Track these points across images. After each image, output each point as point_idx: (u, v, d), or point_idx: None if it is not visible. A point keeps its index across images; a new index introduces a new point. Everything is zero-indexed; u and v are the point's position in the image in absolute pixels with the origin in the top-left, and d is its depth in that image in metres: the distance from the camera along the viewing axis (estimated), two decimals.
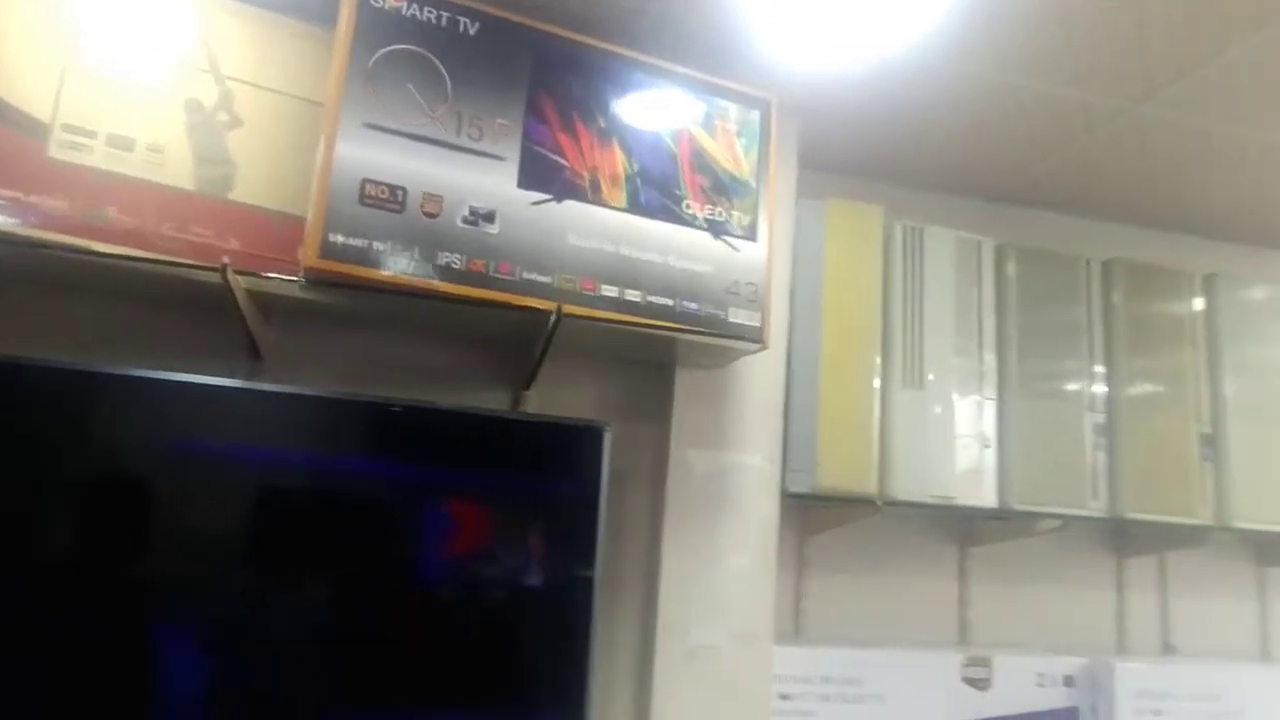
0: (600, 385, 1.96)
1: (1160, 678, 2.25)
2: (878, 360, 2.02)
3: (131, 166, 1.52)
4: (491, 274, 1.55)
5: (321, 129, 1.52)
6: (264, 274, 1.54)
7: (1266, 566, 2.59)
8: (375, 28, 1.55)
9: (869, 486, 1.97)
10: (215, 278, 1.49)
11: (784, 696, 1.97)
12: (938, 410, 2.07)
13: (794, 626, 2.16)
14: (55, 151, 1.48)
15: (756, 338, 1.73)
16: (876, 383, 2.01)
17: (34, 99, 1.48)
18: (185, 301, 1.65)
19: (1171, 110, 1.94)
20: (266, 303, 1.65)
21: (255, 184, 1.60)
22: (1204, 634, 2.50)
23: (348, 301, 1.58)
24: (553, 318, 1.57)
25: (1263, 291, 2.38)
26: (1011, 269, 2.19)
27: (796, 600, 2.18)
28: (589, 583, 1.68)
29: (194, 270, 1.49)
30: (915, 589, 2.28)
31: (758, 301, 1.74)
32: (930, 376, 2.07)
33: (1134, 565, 2.47)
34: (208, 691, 1.52)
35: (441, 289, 1.52)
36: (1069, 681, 2.20)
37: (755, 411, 1.95)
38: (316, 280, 1.50)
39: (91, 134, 1.51)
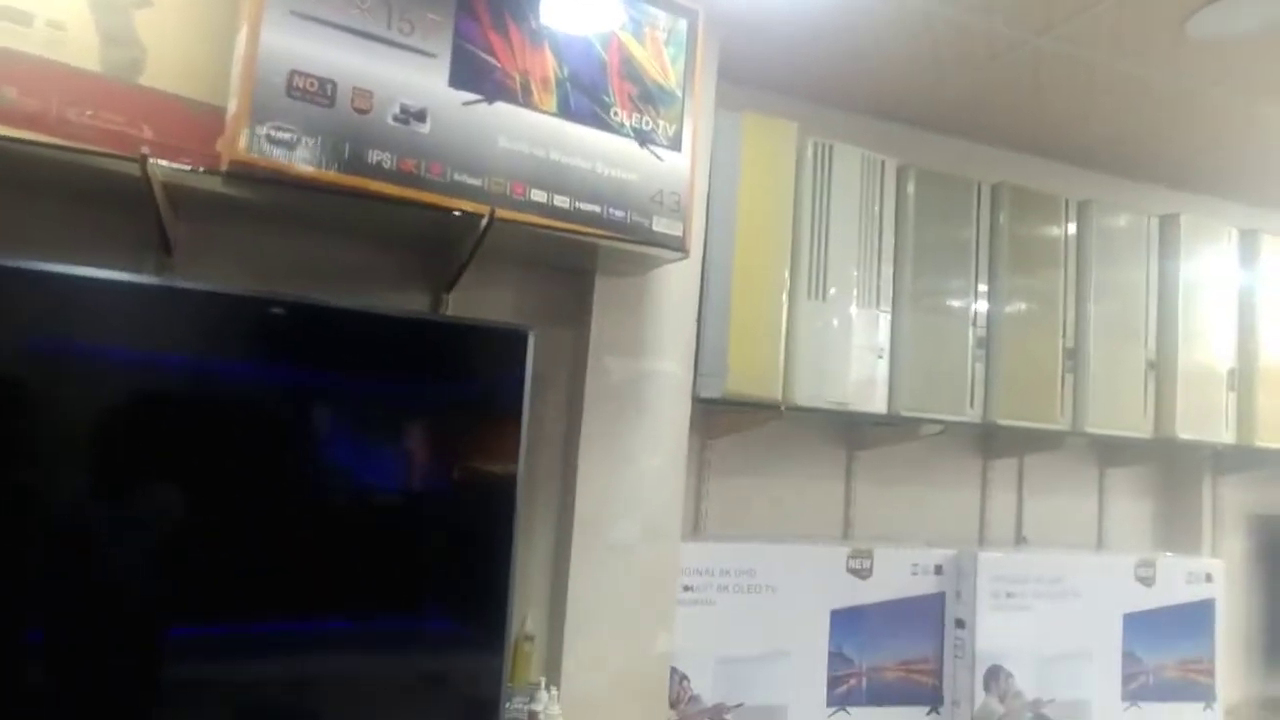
0: (521, 290, 1.98)
1: (1013, 565, 2.49)
2: (786, 273, 2.12)
3: (30, 43, 1.42)
4: (423, 174, 1.54)
5: (243, 15, 1.45)
6: (182, 166, 1.48)
7: (1108, 468, 2.89)
8: None
9: (774, 392, 2.09)
10: (132, 168, 1.42)
11: (687, 588, 2.11)
12: (837, 322, 2.19)
13: (695, 524, 2.29)
14: None
15: (678, 246, 1.79)
16: (784, 293, 2.11)
17: None
18: (91, 193, 1.57)
19: (1065, 44, 2.07)
20: (179, 196, 1.59)
21: (167, 70, 1.51)
22: (1053, 527, 2.79)
23: (270, 197, 1.53)
24: (484, 221, 1.58)
25: (1127, 219, 2.59)
26: (911, 189, 2.30)
27: (698, 500, 2.31)
28: (512, 481, 1.74)
29: (109, 160, 1.42)
30: (807, 489, 2.45)
31: (680, 211, 1.79)
32: (832, 290, 2.18)
33: (998, 466, 2.71)
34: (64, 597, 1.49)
35: (373, 188, 1.50)
36: (939, 570, 2.43)
37: (671, 319, 2.02)
38: (240, 175, 1.45)
39: None
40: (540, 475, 1.97)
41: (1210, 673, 2.67)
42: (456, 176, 1.56)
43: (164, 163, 1.45)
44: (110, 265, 1.57)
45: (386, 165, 1.51)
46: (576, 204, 1.68)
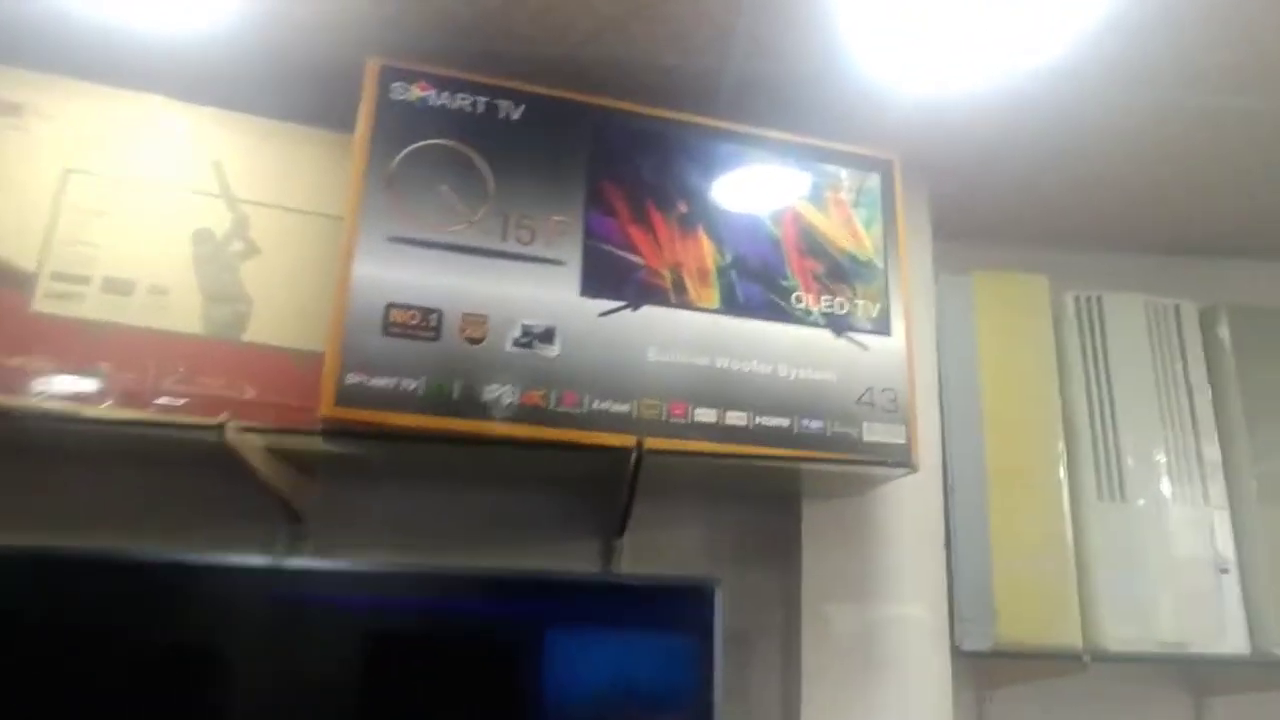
0: (712, 525, 1.59)
1: None
2: (1062, 470, 1.57)
3: (130, 314, 1.29)
4: (553, 407, 1.22)
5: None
6: (279, 428, 1.27)
7: None
8: (398, 123, 1.29)
9: (1069, 636, 1.51)
10: (214, 436, 1.22)
11: None
12: (1148, 529, 1.59)
13: None
14: (41, 304, 1.26)
15: (903, 459, 1.34)
16: (1064, 498, 1.56)
17: (19, 247, 1.27)
18: (203, 464, 1.38)
19: None
20: (300, 458, 1.38)
21: (274, 320, 1.34)
22: None
23: (380, 452, 1.28)
24: (634, 455, 1.23)
25: None
26: (1224, 334, 1.71)
27: None
28: None
29: (191, 430, 1.23)
30: None
31: (899, 412, 1.35)
32: (1133, 485, 1.60)
33: None
34: None
35: (490, 431, 1.20)
36: None
37: (908, 548, 1.53)
38: (336, 432, 1.21)
39: (84, 280, 1.29)
40: None
41: None
42: (597, 404, 1.24)
43: (253, 429, 1.24)
44: (234, 541, 1.38)
45: (507, 401, 1.21)
46: (756, 420, 1.29)
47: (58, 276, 1.28)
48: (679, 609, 1.38)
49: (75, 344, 1.25)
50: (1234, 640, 1.57)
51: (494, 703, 1.31)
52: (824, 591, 1.50)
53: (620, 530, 1.49)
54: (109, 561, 1.31)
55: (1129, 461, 1.61)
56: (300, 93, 1.44)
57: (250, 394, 1.30)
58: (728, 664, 1.36)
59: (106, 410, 1.23)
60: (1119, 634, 1.54)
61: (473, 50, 1.38)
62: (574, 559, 1.54)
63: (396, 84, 1.30)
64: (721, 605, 1.36)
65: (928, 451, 1.48)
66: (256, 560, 1.34)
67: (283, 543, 1.47)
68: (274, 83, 1.45)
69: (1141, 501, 1.60)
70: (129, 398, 1.25)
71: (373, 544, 1.48)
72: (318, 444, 1.26)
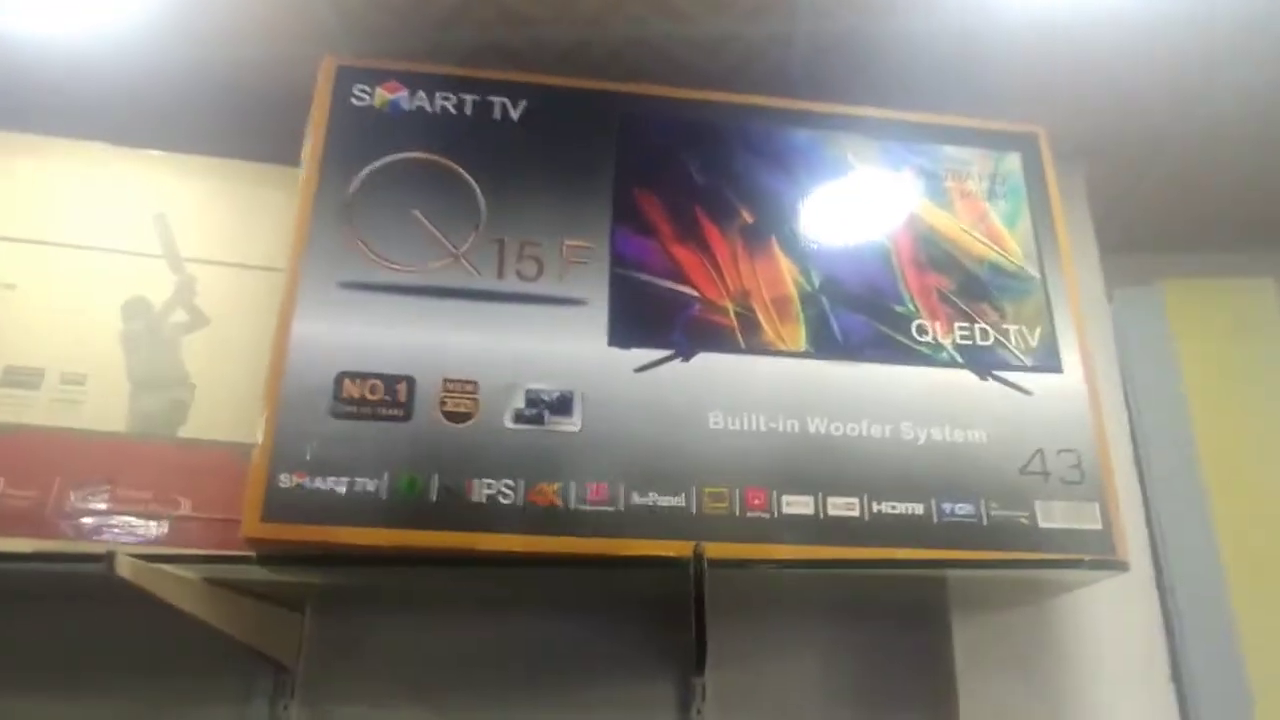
0: (822, 654, 1.15)
1: None
2: None
3: (34, 412, 0.99)
4: (574, 506, 0.85)
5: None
6: (214, 556, 0.93)
7: None
8: (359, 135, 0.97)
9: None
10: (104, 569, 0.88)
11: None
12: None
13: None
14: None
15: (1102, 550, 0.89)
16: None
17: None
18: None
19: None
20: (275, 590, 1.04)
21: (222, 408, 1.02)
22: None
23: (343, 581, 0.93)
24: (693, 570, 0.83)
25: None
26: None
27: None
28: None
29: (75, 563, 0.90)
30: None
31: (1089, 483, 0.91)
32: None
33: None
34: None
35: (485, 547, 0.83)
36: None
37: (1115, 673, 1.06)
38: (271, 557, 0.86)
39: None
40: None
41: None
42: (637, 499, 0.85)
43: (166, 559, 0.90)
44: (211, 698, 1.05)
45: (507, 501, 0.84)
46: (875, 507, 0.88)
47: None
48: None
49: None
50: None
51: None
52: None
53: (699, 666, 1.08)
54: None
55: None
56: (260, 124, 1.15)
57: (184, 508, 0.97)
58: None
59: None
60: None
61: (460, 44, 1.07)
62: (642, 707, 1.13)
63: (358, 87, 0.99)
64: None
65: (1128, 534, 1.02)
66: None
67: (261, 697, 1.13)
68: (228, 115, 1.18)
69: None
70: (23, 522, 0.94)
71: (377, 692, 1.12)
72: (262, 574, 0.91)
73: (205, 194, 1.12)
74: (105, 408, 1.00)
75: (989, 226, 1.02)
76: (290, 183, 1.09)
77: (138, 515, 0.96)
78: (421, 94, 0.99)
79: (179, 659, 1.12)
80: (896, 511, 0.88)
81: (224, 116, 1.18)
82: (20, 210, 1.08)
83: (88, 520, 0.95)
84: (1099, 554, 0.90)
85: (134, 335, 1.05)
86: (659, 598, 1.07)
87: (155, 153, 1.13)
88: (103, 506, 0.96)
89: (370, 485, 0.83)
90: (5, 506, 0.94)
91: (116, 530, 0.95)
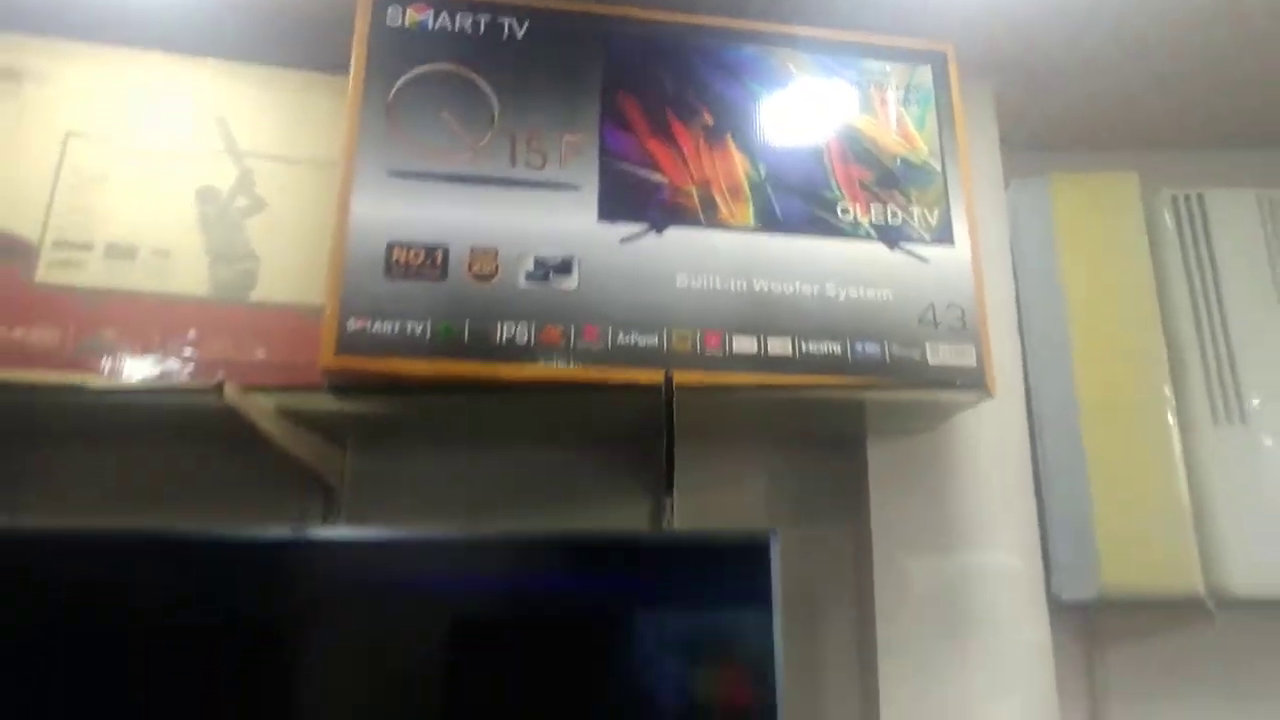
0: (767, 476, 1.45)
1: None
2: (1167, 389, 1.38)
3: (132, 278, 1.23)
4: (574, 344, 1.11)
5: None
6: (283, 385, 1.19)
7: None
8: (394, 50, 1.19)
9: (1187, 581, 1.32)
10: (214, 398, 1.14)
11: None
12: (1276, 450, 1.39)
13: None
14: (44, 274, 1.21)
15: (974, 381, 1.18)
16: (1171, 421, 1.37)
17: (20, 217, 1.22)
18: (224, 440, 1.31)
19: None
20: (323, 423, 1.30)
21: (283, 277, 1.26)
22: None
23: (394, 408, 1.19)
24: (664, 390, 1.10)
25: None
26: None
27: None
28: None
29: (190, 395, 1.15)
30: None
31: (969, 330, 1.19)
32: (1255, 401, 1.40)
33: None
34: None
35: (506, 375, 1.09)
36: None
37: (991, 489, 1.36)
38: (342, 385, 1.12)
39: (87, 246, 1.23)
40: None
41: None
42: (622, 338, 1.12)
43: (259, 389, 1.16)
44: (264, 516, 1.31)
45: (523, 340, 1.10)
46: (804, 346, 1.15)
47: (59, 245, 1.22)
48: (730, 566, 1.25)
49: (78, 313, 1.20)
50: None
51: (528, 674, 1.20)
52: (898, 541, 1.35)
53: (668, 486, 1.36)
54: (138, 540, 1.25)
55: (1248, 378, 1.40)
56: (304, 37, 1.36)
57: (260, 355, 1.22)
58: (794, 631, 1.22)
59: (109, 381, 1.17)
60: (1246, 576, 1.34)
61: None
62: (622, 521, 1.42)
63: (391, 8, 1.20)
64: (779, 560, 1.22)
65: (1005, 376, 1.31)
66: (286, 533, 1.26)
67: (315, 518, 1.40)
68: (275, 29, 1.38)
69: (1266, 423, 1.39)
70: (129, 366, 1.19)
71: (408, 513, 1.40)
72: (328, 402, 1.17)
73: (258, 98, 1.34)
74: (190, 277, 1.24)
75: (903, 128, 1.27)
76: (330, 88, 1.32)
77: (223, 362, 1.21)
78: (445, 15, 1.21)
79: (244, 486, 1.38)
80: (821, 350, 1.15)
81: (273, 30, 1.38)
82: (99, 113, 1.29)
83: (180, 365, 1.20)
84: (973, 384, 1.18)
85: (208, 217, 1.28)
86: (637, 429, 1.34)
87: (211, 61, 1.34)
88: (192, 354, 1.21)
89: (417, 329, 1.09)
90: (119, 352, 1.19)
91: (204, 374, 1.20)
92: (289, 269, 1.26)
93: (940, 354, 1.18)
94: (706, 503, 1.41)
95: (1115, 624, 1.49)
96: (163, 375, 1.18)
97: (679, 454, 1.23)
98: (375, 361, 1.07)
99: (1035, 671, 1.31)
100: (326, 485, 1.39)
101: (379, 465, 1.41)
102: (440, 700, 1.19)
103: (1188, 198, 1.47)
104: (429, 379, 1.09)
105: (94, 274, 1.22)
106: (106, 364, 1.18)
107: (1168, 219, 1.46)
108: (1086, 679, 1.50)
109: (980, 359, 1.18)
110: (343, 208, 1.12)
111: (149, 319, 1.21)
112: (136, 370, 1.17)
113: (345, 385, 1.13)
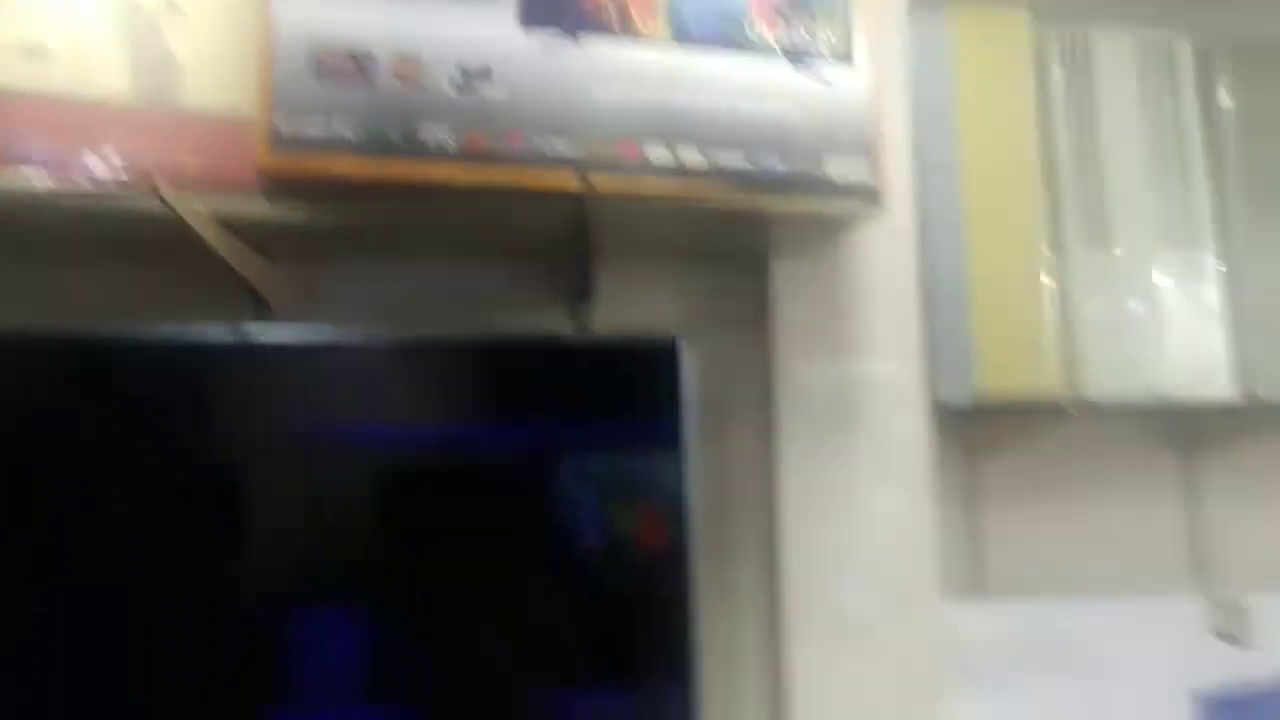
0: (683, 290, 1.55)
1: None
2: (1042, 211, 1.52)
3: (50, 81, 1.23)
4: (498, 149, 1.17)
5: None
6: (218, 191, 1.22)
7: None
8: None
9: (1050, 386, 1.48)
10: (158, 207, 1.17)
11: (966, 669, 1.52)
12: (1135, 272, 1.54)
13: (972, 578, 1.69)
14: None
15: (868, 194, 1.28)
16: (1044, 244, 1.51)
17: None
18: (160, 254, 1.34)
19: None
20: (252, 232, 1.34)
21: (209, 86, 1.28)
22: None
23: (327, 215, 1.24)
24: (581, 193, 1.18)
25: None
26: (1222, 75, 1.62)
27: (972, 543, 1.71)
28: (680, 545, 1.29)
29: (129, 199, 1.18)
30: (1129, 517, 1.75)
31: (863, 146, 1.28)
32: (1120, 231, 1.55)
33: None
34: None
35: (434, 175, 1.15)
36: None
37: (882, 301, 1.49)
38: (276, 188, 1.17)
39: None
40: (740, 531, 1.50)
41: None
42: (540, 143, 1.18)
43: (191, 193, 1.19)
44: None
45: (450, 145, 1.16)
46: (713, 156, 1.23)
47: None
48: (641, 370, 1.36)
49: None
50: (1220, 387, 1.55)
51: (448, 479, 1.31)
52: (795, 349, 1.48)
53: (585, 295, 1.45)
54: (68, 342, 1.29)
55: (1113, 206, 1.55)
56: None
57: (189, 161, 1.25)
58: (703, 434, 1.35)
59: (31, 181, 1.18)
60: (1103, 383, 1.51)
61: None
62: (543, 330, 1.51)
63: None
64: (685, 363, 1.34)
65: (898, 193, 1.42)
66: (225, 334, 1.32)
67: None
68: None
69: (1127, 247, 1.55)
70: (58, 171, 1.21)
71: (331, 318, 1.45)
72: (261, 206, 1.22)
73: None
74: (111, 83, 1.25)
75: None
76: None
77: (152, 169, 1.23)
78: None
79: (175, 303, 1.41)
80: (730, 163, 1.24)
81: None
82: None
83: (112, 172, 1.22)
84: (867, 195, 1.28)
85: (127, 21, 1.27)
86: (556, 247, 1.41)
87: None
88: (122, 162, 1.23)
89: (346, 131, 1.13)
90: (40, 155, 1.20)
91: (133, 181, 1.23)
92: (215, 76, 1.28)
93: (837, 168, 1.27)
94: (618, 318, 1.50)
95: (991, 431, 1.65)
96: (92, 181, 1.21)
97: (593, 271, 1.32)
98: (308, 159, 1.12)
99: (914, 464, 1.47)
100: (259, 299, 1.44)
101: (307, 279, 1.46)
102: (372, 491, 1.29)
103: (1074, 37, 1.58)
104: (359, 179, 1.14)
105: (8, 74, 1.22)
106: (29, 170, 1.19)
107: (1055, 56, 1.57)
108: (965, 478, 1.68)
109: (874, 174, 1.28)
110: (264, 9, 1.14)
111: (68, 124, 1.22)
112: (58, 176, 1.19)
113: (277, 189, 1.17)
